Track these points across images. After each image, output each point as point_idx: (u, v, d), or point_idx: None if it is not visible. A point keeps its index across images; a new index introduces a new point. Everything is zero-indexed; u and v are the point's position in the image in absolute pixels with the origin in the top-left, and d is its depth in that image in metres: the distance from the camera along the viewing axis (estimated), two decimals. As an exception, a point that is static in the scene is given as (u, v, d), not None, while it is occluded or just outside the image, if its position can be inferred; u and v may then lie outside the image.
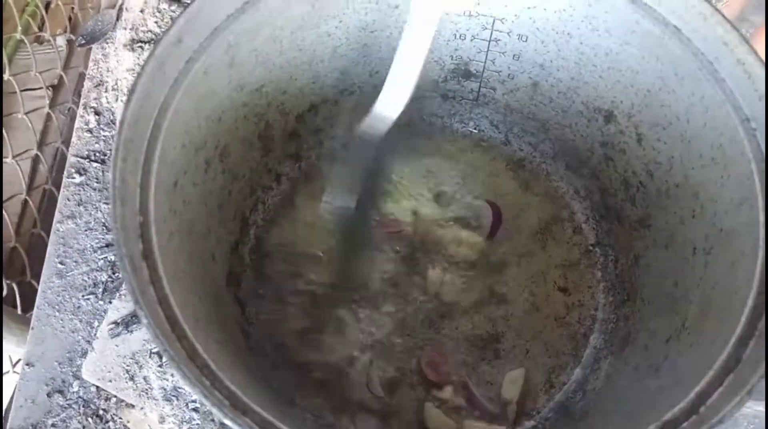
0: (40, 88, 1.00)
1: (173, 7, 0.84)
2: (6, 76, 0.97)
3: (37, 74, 1.01)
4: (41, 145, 0.99)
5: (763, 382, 0.41)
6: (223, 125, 0.56)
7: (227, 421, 0.38)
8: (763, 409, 0.58)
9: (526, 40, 0.61)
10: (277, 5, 0.54)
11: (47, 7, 1.09)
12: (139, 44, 0.82)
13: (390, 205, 0.69)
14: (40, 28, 1.08)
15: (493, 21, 0.61)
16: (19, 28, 1.04)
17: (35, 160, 0.97)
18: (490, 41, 0.63)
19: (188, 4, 0.50)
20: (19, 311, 0.82)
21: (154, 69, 0.47)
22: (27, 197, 0.94)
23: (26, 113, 0.97)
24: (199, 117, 0.52)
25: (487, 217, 0.68)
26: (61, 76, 1.02)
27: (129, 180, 0.44)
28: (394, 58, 0.52)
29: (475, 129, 0.73)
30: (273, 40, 0.57)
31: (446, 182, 0.71)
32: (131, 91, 0.46)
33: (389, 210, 0.69)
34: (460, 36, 0.63)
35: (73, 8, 1.08)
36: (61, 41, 1.06)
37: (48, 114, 1.00)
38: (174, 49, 0.49)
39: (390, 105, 0.54)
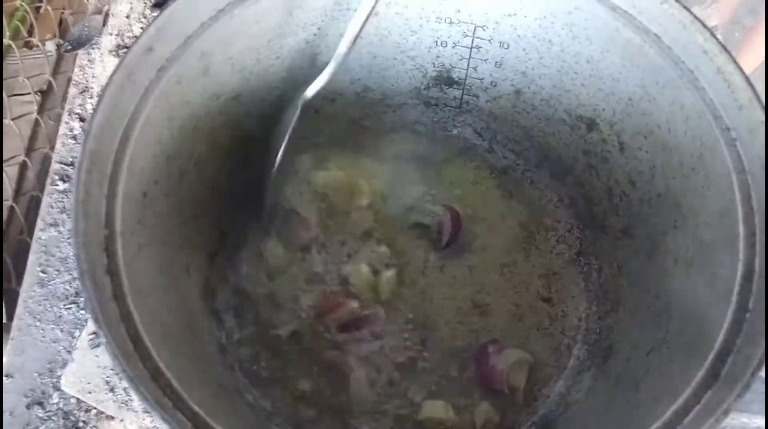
0: (28, 93, 1.00)
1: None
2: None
3: (25, 80, 1.00)
4: (29, 151, 0.98)
5: (747, 393, 0.40)
6: (198, 134, 0.55)
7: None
8: (747, 420, 0.57)
9: (507, 47, 0.60)
10: (252, 14, 0.53)
11: (37, 11, 1.08)
12: (125, 50, 0.82)
13: (349, 267, 0.65)
14: (29, 33, 1.07)
15: (474, 28, 0.60)
16: (8, 33, 1.03)
17: (23, 167, 0.97)
18: (471, 48, 0.62)
19: (161, 12, 0.49)
20: (4, 319, 0.81)
21: (123, 78, 0.46)
22: (14, 204, 0.93)
23: (14, 119, 0.97)
24: (171, 126, 0.51)
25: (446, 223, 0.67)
26: (49, 82, 1.02)
27: (94, 192, 0.43)
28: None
29: (458, 137, 0.72)
30: (249, 49, 0.56)
31: (428, 191, 0.70)
32: (98, 101, 0.45)
33: (346, 273, 0.65)
34: (442, 43, 0.62)
35: (62, 13, 1.07)
36: (50, 46, 1.05)
37: (36, 120, 1.00)
38: (144, 58, 0.48)
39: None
